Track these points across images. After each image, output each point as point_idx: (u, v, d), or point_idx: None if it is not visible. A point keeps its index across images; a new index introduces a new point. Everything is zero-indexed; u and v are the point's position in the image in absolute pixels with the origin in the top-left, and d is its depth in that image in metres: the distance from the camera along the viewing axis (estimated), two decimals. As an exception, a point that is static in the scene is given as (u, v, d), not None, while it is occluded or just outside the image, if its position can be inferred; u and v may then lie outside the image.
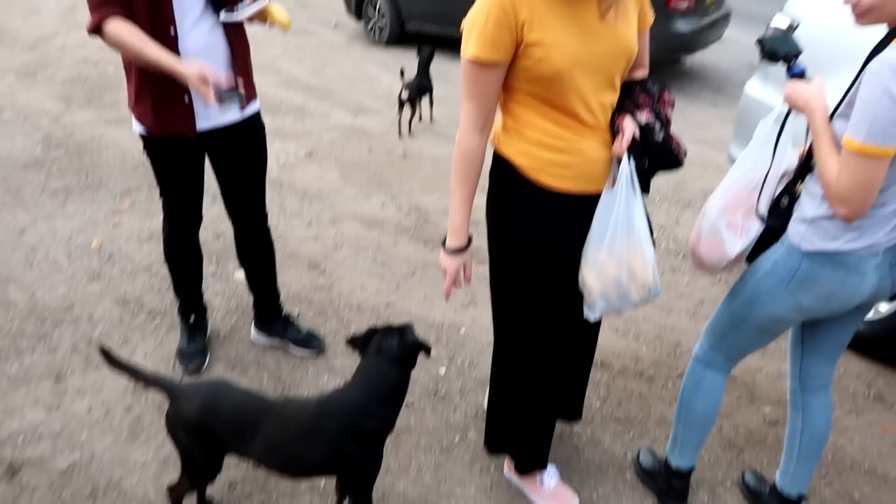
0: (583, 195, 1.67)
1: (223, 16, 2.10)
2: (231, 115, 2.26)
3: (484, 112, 1.61)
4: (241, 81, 1.98)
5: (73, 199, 3.95)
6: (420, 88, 5.26)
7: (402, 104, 5.09)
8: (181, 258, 2.56)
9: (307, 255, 3.50)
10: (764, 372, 2.80)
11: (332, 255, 3.52)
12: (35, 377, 2.53)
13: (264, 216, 2.61)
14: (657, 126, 1.64)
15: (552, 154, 1.63)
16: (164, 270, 3.24)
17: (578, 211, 1.68)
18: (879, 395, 2.74)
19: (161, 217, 2.50)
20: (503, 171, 1.70)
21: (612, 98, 1.64)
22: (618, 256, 1.65)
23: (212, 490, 2.04)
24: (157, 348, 2.73)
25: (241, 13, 2.10)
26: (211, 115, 2.21)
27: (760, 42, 1.74)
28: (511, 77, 1.58)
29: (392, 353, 1.69)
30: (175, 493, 1.86)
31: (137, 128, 2.24)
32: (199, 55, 2.06)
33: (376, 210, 4.03)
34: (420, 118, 5.43)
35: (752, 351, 1.89)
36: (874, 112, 1.35)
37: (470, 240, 1.75)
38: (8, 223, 3.62)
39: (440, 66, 6.55)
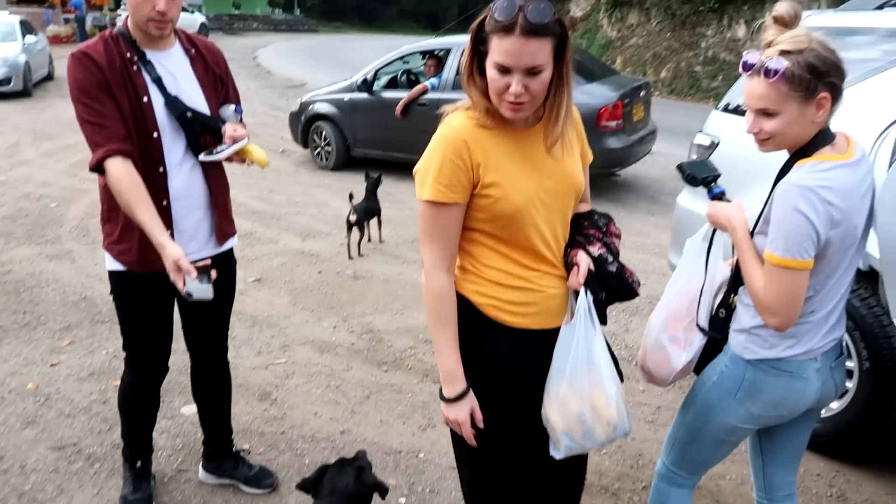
0: (543, 330, 1.64)
1: (203, 156, 2.18)
2: (208, 250, 2.27)
3: (448, 252, 1.58)
4: (213, 273, 2.01)
5: (8, 339, 3.78)
6: (368, 211, 5.39)
7: (350, 226, 5.18)
8: (139, 409, 2.45)
9: (258, 385, 3.39)
10: (727, 478, 2.78)
11: (283, 384, 3.42)
12: (-43, 540, 2.31)
13: (225, 350, 2.56)
14: (609, 258, 1.65)
15: (511, 293, 1.61)
16: (105, 411, 3.09)
17: (539, 346, 1.63)
18: (842, 495, 2.73)
19: (103, 354, 2.41)
20: (462, 309, 1.63)
21: (565, 232, 1.66)
22: (579, 391, 1.58)
23: None
24: (96, 497, 2.55)
25: (220, 154, 2.17)
26: (190, 252, 2.20)
27: (680, 168, 1.87)
28: (468, 217, 1.58)
29: (347, 492, 1.62)
30: None
31: (113, 265, 2.21)
32: (181, 193, 2.13)
33: (328, 334, 3.99)
34: (369, 239, 5.51)
35: (714, 463, 1.89)
36: (787, 229, 1.47)
37: (469, 382, 1.61)
38: (-64, 369, 3.43)
39: (387, 188, 6.71)
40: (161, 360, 2.40)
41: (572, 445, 1.62)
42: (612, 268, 1.64)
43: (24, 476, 2.66)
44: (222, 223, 2.33)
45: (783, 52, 1.47)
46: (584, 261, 1.62)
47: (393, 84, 7.99)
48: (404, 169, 7.64)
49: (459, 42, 7.36)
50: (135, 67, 2.07)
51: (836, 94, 1.50)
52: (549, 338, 1.62)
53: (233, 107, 2.26)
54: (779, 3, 1.54)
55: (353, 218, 5.16)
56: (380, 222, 5.60)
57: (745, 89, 1.56)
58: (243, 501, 2.56)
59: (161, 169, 2.11)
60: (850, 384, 2.79)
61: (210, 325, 2.45)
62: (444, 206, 1.53)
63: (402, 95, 7.30)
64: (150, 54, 2.11)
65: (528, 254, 1.60)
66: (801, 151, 1.56)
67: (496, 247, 1.61)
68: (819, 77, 1.46)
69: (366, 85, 7.58)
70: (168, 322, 2.35)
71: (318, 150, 8.13)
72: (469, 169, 1.52)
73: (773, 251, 1.49)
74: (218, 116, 2.23)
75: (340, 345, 3.85)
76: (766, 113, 1.52)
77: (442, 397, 1.60)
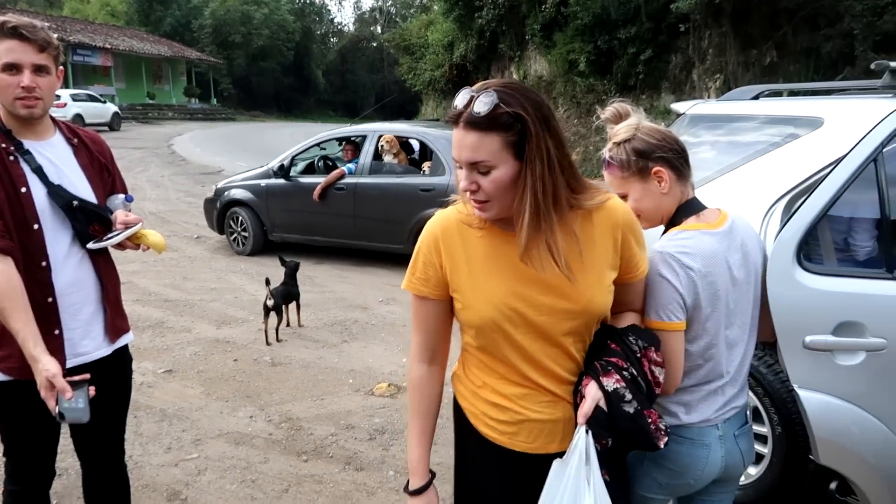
0: (532, 455, 1.48)
1: (92, 244, 2.05)
2: (101, 350, 2.13)
3: (427, 344, 1.54)
4: (91, 389, 1.86)
5: None
6: (286, 295, 5.30)
7: (267, 311, 5.06)
8: None
9: (166, 485, 3.17)
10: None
11: (194, 482, 3.21)
12: None
13: (122, 454, 2.36)
14: (627, 395, 1.38)
15: (490, 408, 1.51)
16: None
17: (523, 470, 1.48)
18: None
19: None
20: (455, 407, 1.62)
21: (567, 362, 1.46)
22: None
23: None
24: None
25: (112, 239, 2.05)
26: (80, 352, 2.06)
27: None
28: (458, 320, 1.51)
29: None
30: None
31: None
32: (69, 288, 2.00)
33: (244, 424, 3.80)
34: (288, 324, 5.39)
35: None
36: (653, 294, 1.59)
37: (433, 476, 1.56)
38: None
39: (306, 272, 6.65)
40: (48, 467, 2.18)
41: None
42: (629, 408, 1.38)
43: None
44: (115, 318, 2.18)
45: (616, 144, 1.70)
46: (591, 395, 1.38)
47: (310, 170, 8.06)
48: (323, 253, 7.62)
49: (375, 129, 7.56)
50: (11, 158, 1.94)
51: (672, 165, 1.67)
52: (540, 464, 1.44)
53: (122, 196, 2.17)
54: (607, 108, 1.78)
55: (270, 303, 5.05)
56: (298, 306, 5.50)
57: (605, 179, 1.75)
58: None
59: (44, 263, 1.96)
60: (765, 449, 2.88)
61: (102, 431, 2.24)
62: (421, 299, 1.51)
63: (320, 180, 7.36)
64: (29, 144, 1.99)
65: (512, 372, 1.47)
66: (671, 222, 1.71)
67: (479, 356, 1.52)
68: (646, 157, 1.66)
69: (283, 171, 7.60)
70: (55, 427, 2.14)
71: (235, 235, 8.00)
72: (437, 267, 1.46)
73: (647, 318, 1.60)
74: (106, 207, 2.13)
75: (257, 435, 3.67)
76: (622, 196, 1.69)
77: (406, 488, 1.56)
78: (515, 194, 1.33)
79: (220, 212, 8.02)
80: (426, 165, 7.24)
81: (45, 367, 1.80)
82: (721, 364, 1.68)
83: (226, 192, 8.01)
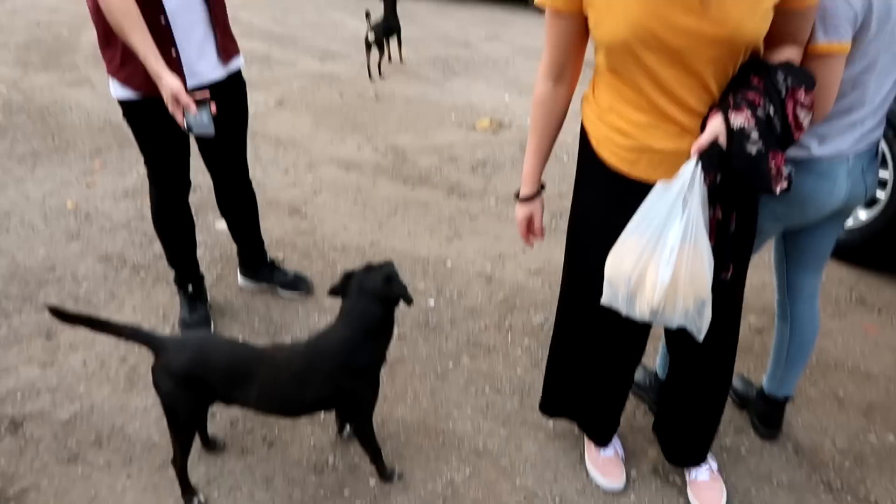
0: (645, 183, 1.43)
1: None
2: (216, 72, 2.21)
3: (555, 61, 1.49)
4: (212, 104, 1.96)
5: (41, 162, 3.86)
6: (387, 29, 5.17)
7: (369, 46, 5.00)
8: (173, 227, 2.50)
9: (287, 201, 3.47)
10: (747, 284, 2.86)
11: (312, 200, 3.50)
12: (26, 336, 2.52)
13: (246, 169, 2.58)
14: (754, 134, 1.28)
15: (614, 134, 1.47)
16: (143, 226, 3.21)
17: (635, 198, 1.40)
18: (861, 299, 2.82)
19: (135, 175, 2.43)
20: (581, 131, 1.60)
21: (702, 93, 1.35)
22: (637, 255, 1.38)
23: (215, 429, 2.07)
24: (146, 300, 2.73)
25: None
26: (197, 72, 2.15)
27: None
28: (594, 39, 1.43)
29: (375, 291, 1.69)
30: (177, 464, 1.83)
31: (120, 93, 2.14)
32: (180, 9, 2.03)
33: (353, 153, 4.00)
34: (389, 59, 5.34)
35: None
36: (825, 12, 1.38)
37: (541, 188, 1.66)
38: (-23, 190, 3.55)
39: (406, 7, 6.40)
40: (182, 175, 2.41)
41: (612, 299, 1.48)
42: (752, 149, 1.28)
43: (76, 283, 2.83)
44: (225, 40, 2.23)
45: None
46: (711, 128, 1.29)
47: None
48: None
49: None
50: None
51: None
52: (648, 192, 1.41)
53: None
54: None
55: (371, 37, 4.97)
56: (399, 42, 5.39)
57: None
58: (281, 304, 2.72)
59: None
60: (882, 194, 2.77)
61: (230, 146, 2.44)
62: (553, 14, 1.42)
63: None
64: None
65: (641, 98, 1.39)
66: None
67: (609, 78, 1.44)
68: None
69: None
70: (185, 139, 2.31)
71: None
72: None
73: (813, 40, 1.41)
74: None
75: (365, 163, 3.87)
76: None
77: (516, 195, 1.69)
78: None
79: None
80: None
81: (169, 82, 1.92)
82: (868, 92, 1.54)
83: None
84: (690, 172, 1.30)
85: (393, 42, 5.36)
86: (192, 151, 2.38)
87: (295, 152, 4.00)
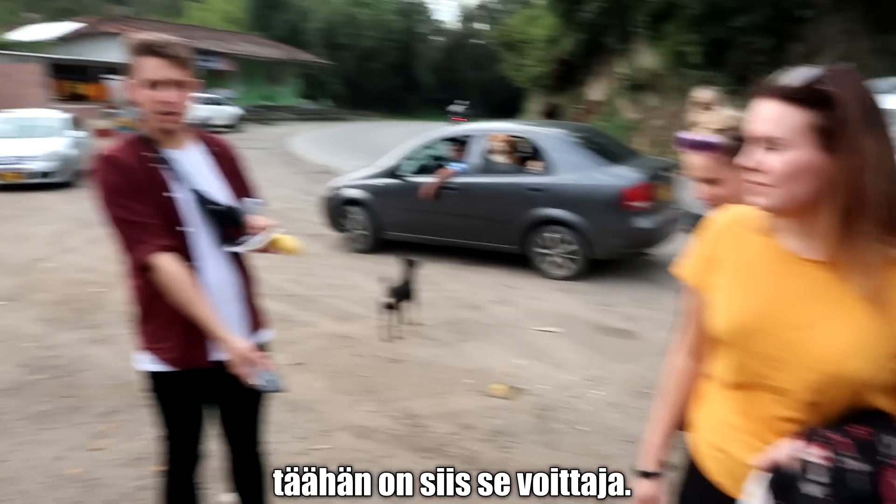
0: (729, 497, 1.31)
1: (233, 248, 2.20)
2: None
3: (690, 335, 1.46)
4: (279, 373, 2.08)
5: (54, 424, 3.82)
6: (402, 293, 5.44)
7: (385, 308, 5.23)
8: (181, 501, 2.43)
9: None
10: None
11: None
12: None
13: (261, 440, 2.56)
14: (817, 478, 1.08)
15: (706, 432, 1.40)
16: (147, 497, 3.08)
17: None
18: None
19: (143, 439, 2.40)
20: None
21: (791, 415, 1.21)
22: None
23: None
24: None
25: (252, 244, 2.20)
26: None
27: None
28: None
29: None
30: None
31: (153, 366, 2.18)
32: (214, 287, 2.15)
33: (367, 418, 3.97)
34: (405, 322, 5.54)
35: None
36: None
37: (663, 468, 1.52)
38: (-16, 456, 3.47)
39: (424, 270, 6.82)
40: (198, 449, 2.39)
41: None
42: (809, 490, 1.08)
43: (70, 567, 2.64)
44: (256, 315, 2.36)
45: (717, 131, 1.67)
46: (780, 451, 1.15)
47: (421, 170, 8.24)
48: (436, 251, 7.77)
49: (483, 129, 7.66)
50: (158, 165, 2.09)
51: None
52: None
53: (253, 200, 2.30)
54: (702, 92, 1.77)
55: (387, 300, 5.22)
56: (416, 304, 5.64)
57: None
58: None
59: (193, 264, 2.11)
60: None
61: (250, 417, 2.45)
62: (692, 287, 1.42)
63: (430, 180, 7.52)
64: (170, 153, 2.13)
65: (746, 400, 1.28)
66: None
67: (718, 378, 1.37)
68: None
69: (395, 171, 7.84)
70: (202, 413, 2.35)
71: (351, 233, 8.30)
72: (708, 260, 1.35)
73: None
74: (240, 209, 2.25)
75: (380, 430, 3.83)
76: (710, 181, 1.71)
77: (635, 469, 1.57)
78: (807, 189, 1.12)
79: (337, 210, 8.35)
80: (534, 164, 7.24)
81: (238, 344, 2.01)
82: None
83: (341, 192, 8.34)
84: (752, 493, 1.17)
85: (408, 304, 5.61)
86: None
87: (309, 416, 3.97)
